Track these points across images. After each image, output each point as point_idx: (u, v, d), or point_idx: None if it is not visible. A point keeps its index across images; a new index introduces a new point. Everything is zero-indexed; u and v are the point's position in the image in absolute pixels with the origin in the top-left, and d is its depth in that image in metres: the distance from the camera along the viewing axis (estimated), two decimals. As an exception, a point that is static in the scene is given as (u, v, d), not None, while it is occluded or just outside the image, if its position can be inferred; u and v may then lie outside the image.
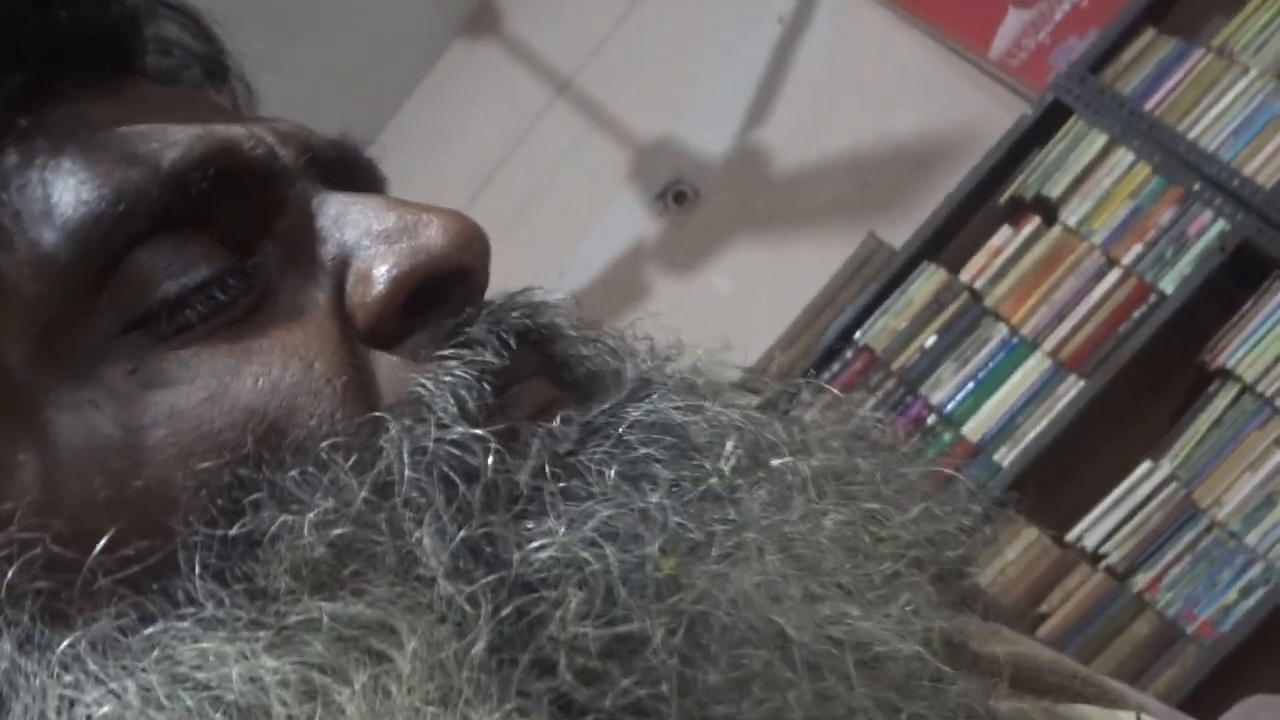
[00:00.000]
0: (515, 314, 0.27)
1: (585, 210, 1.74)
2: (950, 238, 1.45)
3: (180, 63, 0.32)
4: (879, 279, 1.43)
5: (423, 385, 0.25)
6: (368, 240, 0.27)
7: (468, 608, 0.23)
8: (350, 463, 0.24)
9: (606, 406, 0.26)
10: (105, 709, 0.22)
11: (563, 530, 0.24)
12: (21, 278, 0.24)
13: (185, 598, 0.23)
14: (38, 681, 0.22)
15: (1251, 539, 1.20)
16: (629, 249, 1.71)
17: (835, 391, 0.31)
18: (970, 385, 1.35)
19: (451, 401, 0.25)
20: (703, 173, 1.71)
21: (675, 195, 1.71)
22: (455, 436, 0.24)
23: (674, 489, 0.25)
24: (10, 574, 0.23)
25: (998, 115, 1.52)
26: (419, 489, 0.24)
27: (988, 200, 1.44)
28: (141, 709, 0.22)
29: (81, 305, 0.25)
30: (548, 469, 0.25)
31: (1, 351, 0.24)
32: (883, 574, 0.25)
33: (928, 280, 1.40)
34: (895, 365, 1.39)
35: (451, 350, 0.26)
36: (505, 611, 0.23)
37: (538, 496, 0.24)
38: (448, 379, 0.25)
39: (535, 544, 0.24)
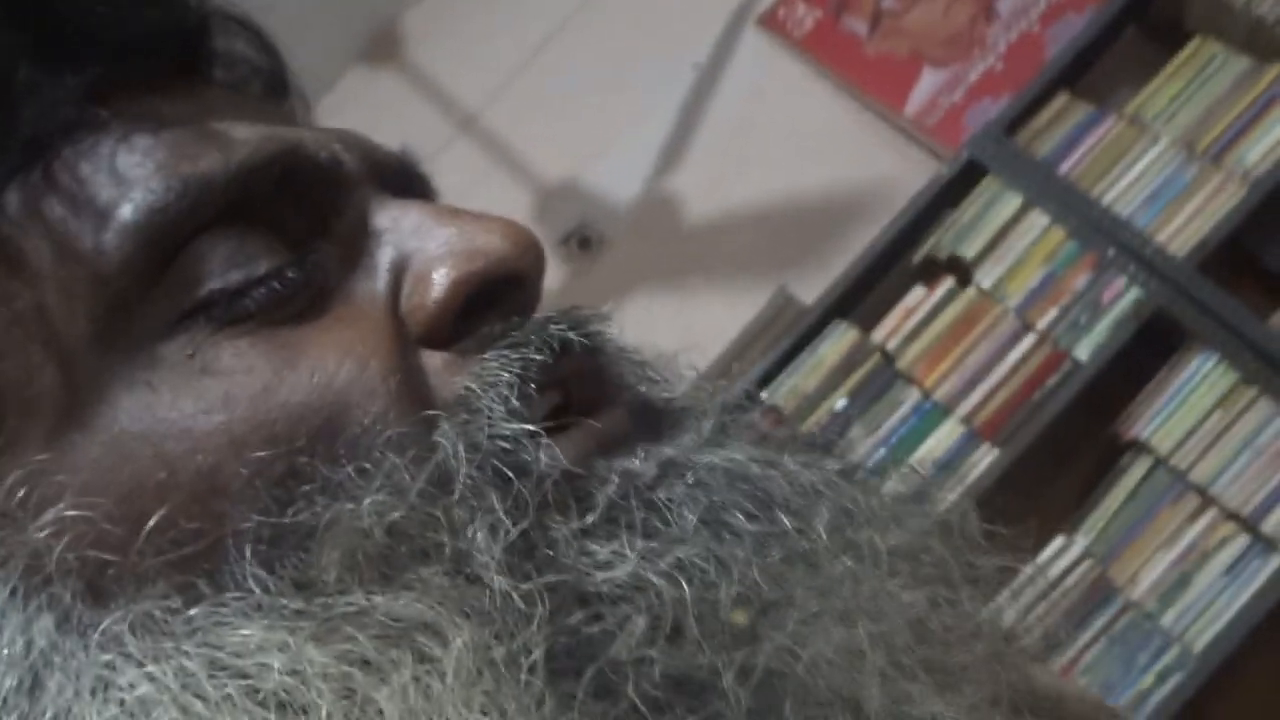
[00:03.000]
0: (560, 325, 0.27)
1: (482, 252, 1.65)
2: (863, 296, 1.40)
3: (244, 76, 0.33)
4: (788, 336, 1.36)
5: (468, 386, 0.26)
6: (426, 244, 0.27)
7: (521, 605, 0.22)
8: (406, 456, 0.24)
9: (684, 447, 0.26)
10: (141, 691, 0.22)
11: (634, 557, 0.24)
12: (90, 258, 0.25)
13: (232, 583, 0.23)
14: (75, 660, 0.22)
15: (1167, 620, 1.15)
16: (529, 295, 1.62)
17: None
18: (881, 451, 1.28)
19: (497, 398, 0.25)
20: (609, 219, 1.63)
21: (580, 240, 1.62)
22: (506, 431, 0.25)
23: (756, 545, 0.24)
24: (57, 550, 0.23)
25: (910, 173, 1.48)
26: (473, 483, 0.24)
27: (901, 259, 1.39)
28: (178, 693, 0.21)
29: (144, 288, 0.25)
30: (632, 499, 0.25)
31: (65, 331, 0.24)
32: (954, 664, 0.25)
33: (839, 339, 1.34)
34: (804, 428, 1.32)
35: (494, 352, 0.26)
36: (561, 619, 0.23)
37: (612, 524, 0.24)
38: (491, 378, 0.26)
39: (601, 558, 0.23)
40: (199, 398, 0.24)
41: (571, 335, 0.27)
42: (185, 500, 0.24)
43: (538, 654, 0.22)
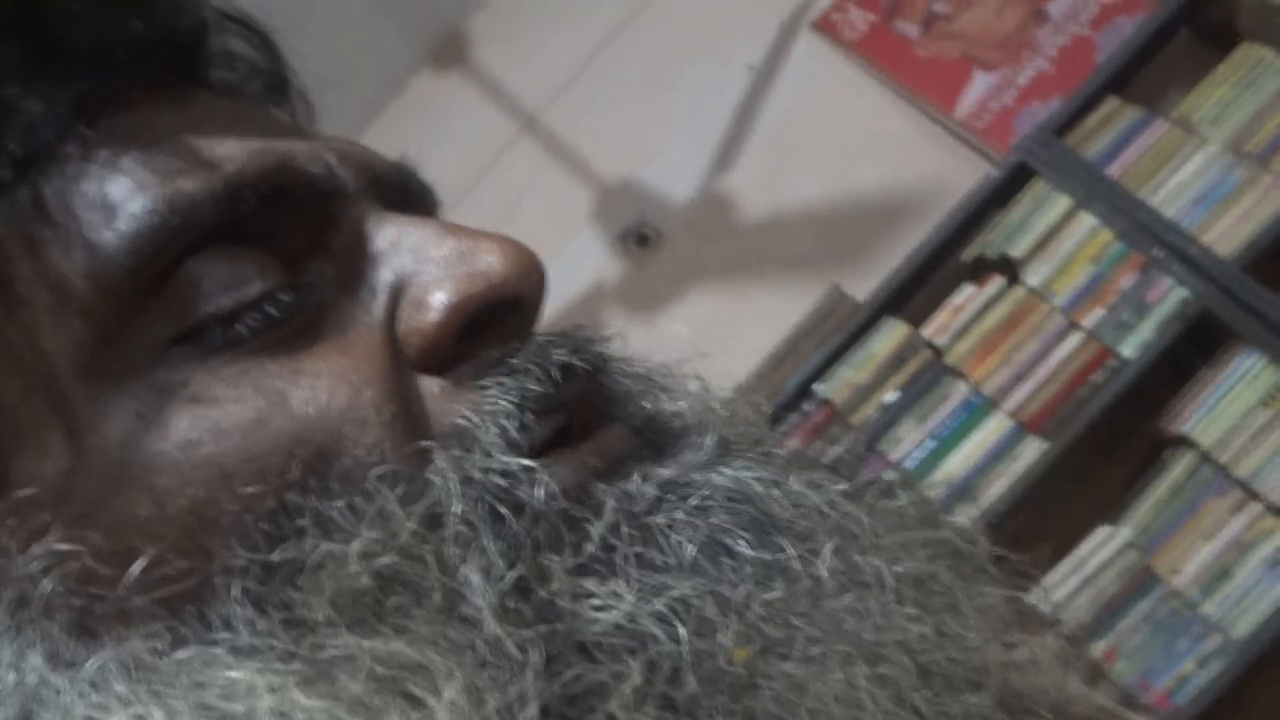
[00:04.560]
0: (560, 350, 0.26)
1: (546, 248, 1.68)
2: (913, 293, 1.44)
3: (243, 77, 0.32)
4: (841, 332, 1.41)
5: (465, 416, 0.25)
6: (425, 265, 0.26)
7: (515, 653, 0.22)
8: (398, 493, 0.23)
9: (685, 466, 0.25)
10: None
11: (631, 598, 0.23)
12: (78, 284, 0.24)
13: (220, 623, 0.22)
14: (64, 699, 0.22)
15: (1208, 609, 1.19)
16: (589, 289, 1.68)
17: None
18: (930, 443, 1.33)
19: (494, 430, 0.25)
20: (666, 216, 1.69)
21: (637, 237, 1.68)
22: (501, 466, 0.24)
23: (758, 575, 0.24)
24: (45, 586, 0.22)
25: (961, 174, 1.52)
26: (467, 522, 0.23)
27: (951, 257, 1.44)
28: None
29: (133, 315, 0.24)
30: (624, 529, 0.24)
31: (53, 359, 0.24)
32: (961, 705, 0.24)
33: (890, 335, 1.39)
34: (855, 420, 1.37)
35: (492, 379, 0.26)
36: (557, 668, 0.22)
37: (608, 557, 0.24)
38: (489, 408, 0.25)
39: (596, 602, 0.23)
40: (190, 429, 0.24)
41: (574, 360, 0.26)
42: (174, 536, 0.23)
43: (533, 708, 0.21)
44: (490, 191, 1.76)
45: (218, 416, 0.24)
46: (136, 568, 0.22)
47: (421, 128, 1.81)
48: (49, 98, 0.25)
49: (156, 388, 0.24)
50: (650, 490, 0.25)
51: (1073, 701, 0.31)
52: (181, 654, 0.22)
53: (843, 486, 0.27)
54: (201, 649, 0.22)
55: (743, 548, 0.24)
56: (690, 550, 0.24)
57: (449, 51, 1.84)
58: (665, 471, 0.25)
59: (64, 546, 0.23)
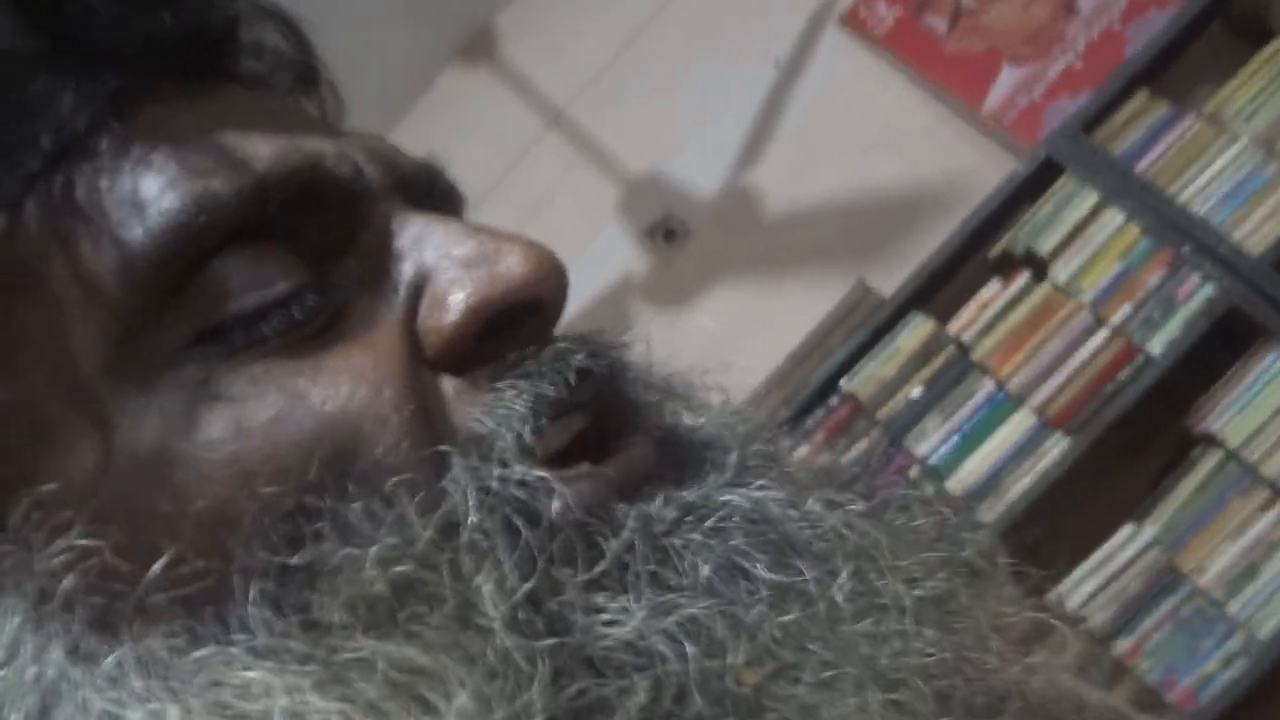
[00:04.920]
0: (578, 354, 0.26)
1: (573, 243, 1.72)
2: (940, 289, 1.44)
3: (272, 67, 0.32)
4: (867, 327, 1.42)
5: (480, 419, 0.25)
6: (446, 264, 0.27)
7: (524, 665, 0.22)
8: (416, 500, 0.23)
9: (705, 488, 0.25)
10: None
11: (641, 615, 0.23)
12: (105, 280, 0.24)
13: (238, 623, 0.23)
14: (82, 694, 0.22)
15: (1233, 608, 1.18)
16: (616, 283, 1.69)
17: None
18: (955, 439, 1.33)
19: (510, 437, 0.25)
20: (693, 211, 1.70)
21: (664, 232, 1.69)
22: (519, 477, 0.24)
23: (772, 599, 0.24)
24: (67, 581, 0.23)
25: (988, 170, 1.52)
26: (482, 532, 0.23)
27: (978, 253, 1.44)
28: None
29: (157, 312, 0.24)
30: (640, 547, 0.24)
31: (79, 355, 0.24)
32: None
33: (916, 330, 1.39)
34: (880, 415, 1.37)
35: (507, 382, 0.26)
36: (564, 684, 0.22)
37: (622, 574, 0.24)
38: (503, 411, 0.25)
39: (606, 618, 0.23)
40: (211, 427, 0.24)
41: (591, 365, 0.26)
42: (194, 534, 0.23)
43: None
44: (518, 186, 1.78)
45: (240, 415, 0.24)
46: (157, 566, 0.23)
47: (449, 123, 1.83)
48: (80, 91, 0.25)
49: (180, 386, 0.24)
50: (671, 513, 0.25)
51: (1092, 711, 0.31)
52: (199, 653, 0.22)
53: (860, 506, 0.27)
54: (219, 648, 0.22)
55: (759, 570, 0.24)
56: (705, 571, 0.24)
57: (477, 47, 1.86)
58: (687, 495, 0.25)
59: (86, 542, 0.23)
